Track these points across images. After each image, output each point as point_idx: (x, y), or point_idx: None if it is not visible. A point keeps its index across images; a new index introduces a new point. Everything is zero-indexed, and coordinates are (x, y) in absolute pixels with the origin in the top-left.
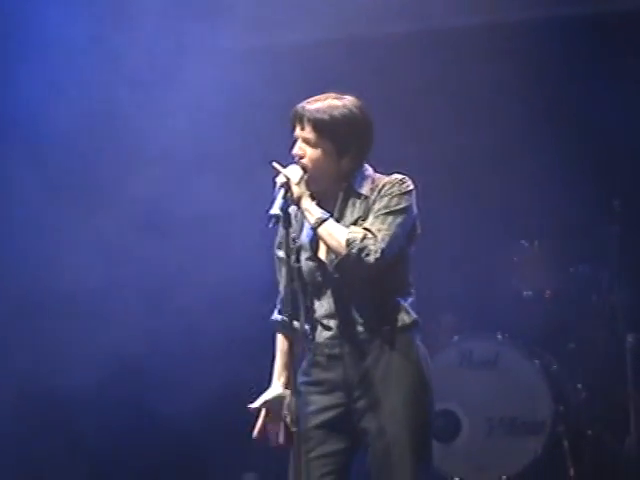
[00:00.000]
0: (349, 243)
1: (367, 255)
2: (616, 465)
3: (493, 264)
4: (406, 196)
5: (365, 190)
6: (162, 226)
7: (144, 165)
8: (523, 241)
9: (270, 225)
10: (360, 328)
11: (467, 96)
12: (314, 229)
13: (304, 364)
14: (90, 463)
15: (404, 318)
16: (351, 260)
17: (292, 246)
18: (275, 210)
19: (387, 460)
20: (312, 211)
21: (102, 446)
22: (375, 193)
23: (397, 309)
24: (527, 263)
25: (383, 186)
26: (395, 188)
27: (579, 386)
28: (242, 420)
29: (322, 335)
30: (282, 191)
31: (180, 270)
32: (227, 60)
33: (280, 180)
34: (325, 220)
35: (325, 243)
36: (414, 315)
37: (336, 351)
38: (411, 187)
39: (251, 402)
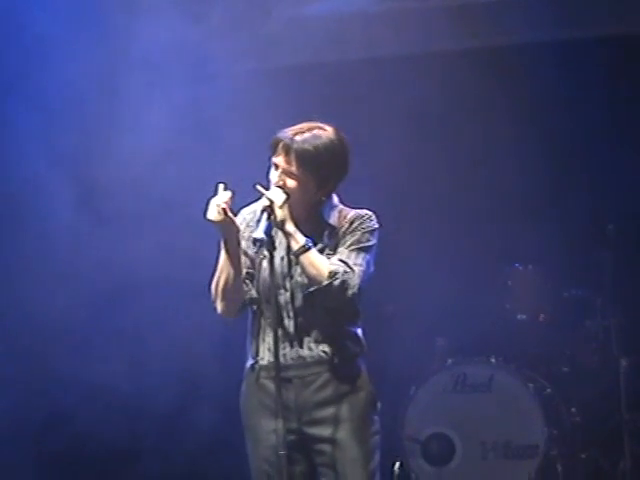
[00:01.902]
0: (332, 275)
1: (347, 289)
2: None
3: (487, 288)
4: (375, 233)
5: (333, 221)
6: None
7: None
8: (517, 265)
9: (255, 250)
10: (312, 353)
11: (460, 120)
12: (296, 255)
13: (245, 388)
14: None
15: (355, 346)
16: (332, 291)
17: (277, 265)
18: (259, 234)
19: None
20: (297, 237)
21: (107, 457)
22: (345, 225)
23: (348, 337)
24: (521, 287)
25: (353, 220)
26: (366, 224)
27: (573, 410)
28: (231, 442)
29: (268, 358)
30: (265, 214)
31: None
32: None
33: (263, 203)
34: (309, 249)
35: (305, 270)
36: (364, 343)
37: (284, 375)
38: (377, 225)
39: None
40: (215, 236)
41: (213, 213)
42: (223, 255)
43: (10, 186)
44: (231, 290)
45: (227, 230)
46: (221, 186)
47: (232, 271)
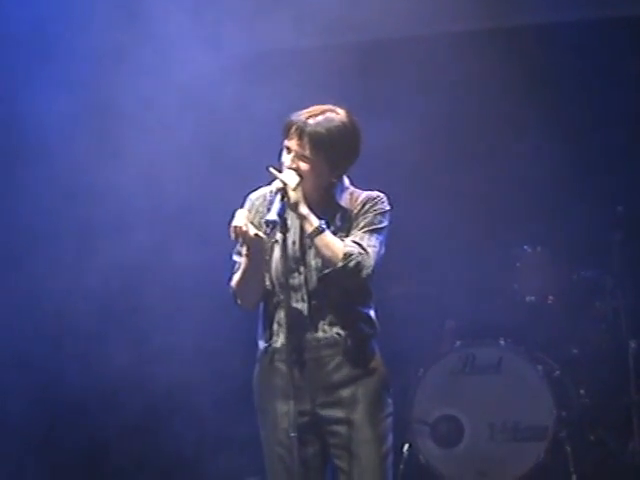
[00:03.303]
0: (347, 256)
1: (361, 270)
2: (619, 470)
3: (496, 270)
4: (387, 215)
5: (345, 203)
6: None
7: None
8: (526, 247)
9: (268, 231)
10: (326, 335)
11: (468, 102)
12: (311, 237)
13: (259, 371)
14: (96, 465)
15: (368, 327)
16: (346, 272)
17: (289, 249)
18: (272, 215)
19: (358, 462)
20: (311, 219)
21: (99, 448)
22: (357, 207)
23: (361, 318)
24: (530, 269)
25: (366, 202)
26: (378, 206)
27: (582, 391)
28: (244, 424)
29: (282, 341)
30: (279, 196)
31: None
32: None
33: (277, 185)
34: (323, 230)
35: (319, 252)
36: (376, 324)
37: (297, 357)
38: (388, 207)
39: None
40: None
41: (237, 237)
42: (246, 261)
43: None
44: (254, 288)
45: (252, 243)
46: (239, 212)
47: (255, 274)
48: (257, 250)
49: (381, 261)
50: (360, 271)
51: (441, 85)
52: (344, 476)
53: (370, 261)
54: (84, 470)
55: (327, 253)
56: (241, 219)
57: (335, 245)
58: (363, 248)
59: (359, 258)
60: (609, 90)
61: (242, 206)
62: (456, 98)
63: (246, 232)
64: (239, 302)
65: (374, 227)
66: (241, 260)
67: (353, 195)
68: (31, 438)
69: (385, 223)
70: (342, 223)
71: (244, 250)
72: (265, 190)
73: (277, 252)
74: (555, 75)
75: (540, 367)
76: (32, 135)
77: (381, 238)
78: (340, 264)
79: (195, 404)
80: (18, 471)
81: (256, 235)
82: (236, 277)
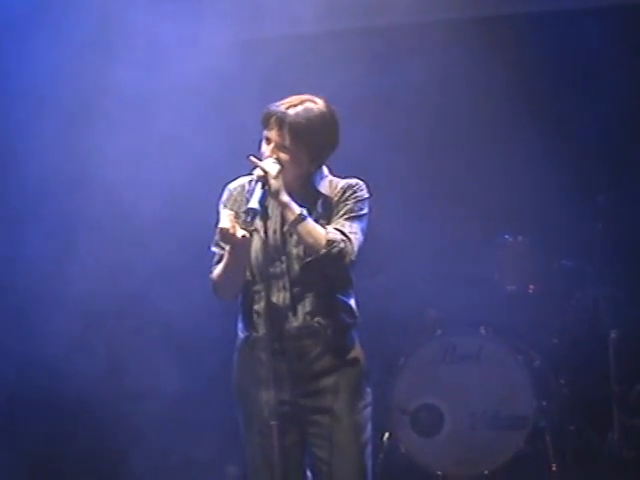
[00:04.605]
0: (330, 243)
1: (344, 257)
2: (599, 460)
3: (477, 259)
4: (366, 202)
5: (324, 190)
6: None
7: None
8: (507, 236)
9: (248, 219)
10: (307, 324)
11: (450, 91)
12: (293, 225)
13: (239, 360)
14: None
15: (349, 317)
16: (329, 259)
17: (270, 238)
18: (254, 204)
19: (338, 451)
20: (292, 207)
21: (88, 440)
22: (337, 195)
23: (342, 308)
24: (511, 258)
25: (346, 189)
26: (358, 193)
27: (562, 381)
28: (225, 412)
29: (263, 330)
30: (259, 185)
31: None
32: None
33: (257, 173)
34: (305, 218)
35: (302, 239)
36: (357, 314)
37: (278, 346)
38: (367, 194)
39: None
40: None
41: (224, 239)
42: (229, 257)
43: None
44: (235, 281)
45: (238, 244)
46: (224, 212)
47: (238, 269)
48: (242, 249)
49: (361, 249)
50: (343, 258)
51: (424, 73)
52: (324, 465)
53: (353, 248)
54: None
55: (310, 240)
56: (228, 220)
57: (317, 232)
58: (345, 235)
59: (342, 245)
60: (592, 80)
61: (221, 196)
62: (438, 85)
63: (233, 234)
64: (219, 294)
65: (355, 214)
66: (220, 252)
67: (332, 182)
68: None
69: (365, 210)
70: (324, 210)
71: (228, 248)
72: (243, 180)
73: (257, 241)
74: (537, 64)
75: (520, 357)
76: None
77: (362, 225)
78: (323, 251)
79: (175, 392)
80: None
81: (243, 237)
82: (217, 270)
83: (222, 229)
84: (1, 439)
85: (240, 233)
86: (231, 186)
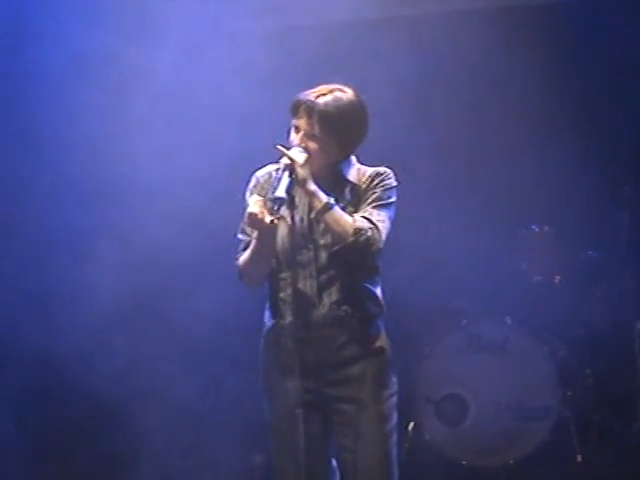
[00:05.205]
0: (358, 231)
1: (371, 245)
2: (623, 451)
3: (503, 249)
4: (394, 190)
5: (352, 177)
6: None
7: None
8: (534, 226)
9: (275, 207)
10: (333, 313)
11: (479, 83)
12: (320, 214)
13: (265, 348)
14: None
15: (375, 306)
16: (357, 248)
17: (297, 226)
18: (280, 192)
19: (363, 440)
20: (319, 196)
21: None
22: (365, 183)
23: (368, 297)
24: (537, 248)
25: (374, 177)
26: (386, 181)
27: (587, 371)
28: (250, 401)
29: (289, 318)
30: (287, 173)
31: None
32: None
33: (284, 162)
34: (332, 207)
35: (329, 228)
36: (382, 303)
37: (304, 334)
38: (395, 183)
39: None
40: None
41: (253, 224)
42: (257, 244)
43: None
44: (262, 268)
45: (266, 230)
46: (253, 198)
47: (265, 256)
48: (269, 235)
49: (388, 237)
50: (370, 246)
51: (446, 67)
52: (348, 454)
53: (380, 236)
54: None
55: (337, 229)
56: (257, 206)
57: (345, 221)
58: (373, 223)
59: (369, 233)
60: (619, 68)
61: (248, 184)
62: (464, 82)
63: (262, 220)
64: (244, 280)
65: (382, 202)
66: (246, 239)
67: (360, 171)
68: None
69: (393, 199)
70: (351, 198)
71: (255, 234)
72: (271, 168)
73: (284, 229)
74: (569, 55)
75: (546, 347)
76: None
77: (389, 213)
78: (350, 239)
79: (202, 381)
80: None
81: (271, 222)
82: (244, 257)
83: (251, 214)
84: (16, 434)
85: (268, 219)
86: (258, 174)
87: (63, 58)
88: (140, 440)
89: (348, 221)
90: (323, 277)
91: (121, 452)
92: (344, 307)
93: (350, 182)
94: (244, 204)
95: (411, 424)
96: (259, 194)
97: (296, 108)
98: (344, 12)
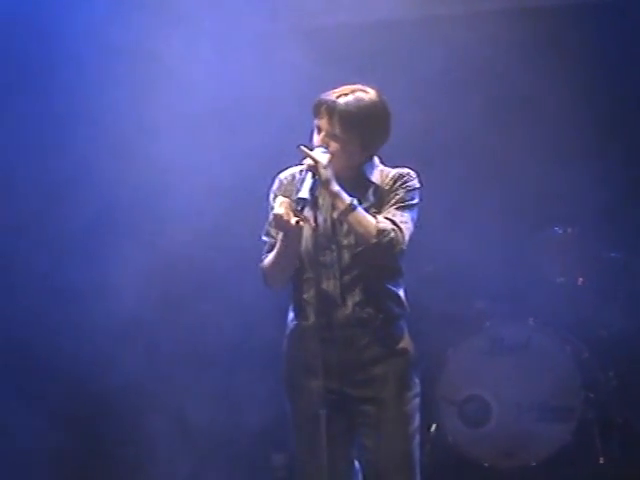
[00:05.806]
0: (381, 233)
1: (395, 246)
2: None
3: (526, 250)
4: (417, 192)
5: (375, 179)
6: None
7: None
8: (556, 227)
9: (298, 208)
10: (356, 314)
11: (500, 81)
12: (344, 215)
13: (288, 349)
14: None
15: (398, 307)
16: (380, 249)
17: (320, 227)
18: (304, 194)
19: (385, 440)
20: (342, 197)
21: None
22: (389, 184)
23: (391, 298)
24: (560, 250)
25: (397, 178)
26: (409, 183)
27: (610, 374)
28: (271, 401)
29: (313, 318)
30: (310, 174)
31: None
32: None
33: (307, 163)
34: (355, 208)
35: (352, 229)
36: (405, 304)
37: (327, 335)
38: (418, 184)
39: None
40: None
41: (278, 226)
42: (282, 246)
43: None
44: (286, 270)
45: (291, 231)
46: (279, 199)
47: (289, 258)
48: (294, 236)
49: (411, 238)
50: (393, 247)
51: (470, 67)
52: (370, 455)
53: (403, 237)
54: None
55: (360, 230)
56: (282, 207)
57: (368, 222)
58: (396, 224)
59: (392, 234)
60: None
61: (271, 186)
62: (487, 81)
63: (287, 221)
64: (268, 282)
65: (406, 203)
66: (271, 240)
67: (383, 172)
68: None
69: (416, 200)
70: (375, 199)
71: (280, 236)
72: (294, 170)
73: (307, 230)
74: (595, 53)
75: (569, 348)
76: None
77: (412, 215)
78: (374, 240)
79: (222, 380)
80: None
81: (297, 223)
82: (268, 259)
83: (276, 215)
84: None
85: (294, 220)
86: (282, 175)
87: (90, 54)
88: (156, 443)
89: (371, 222)
90: (346, 278)
91: (135, 455)
92: (367, 308)
93: (373, 184)
94: (268, 206)
95: (433, 425)
96: (283, 195)
97: (318, 108)
98: (373, 12)
